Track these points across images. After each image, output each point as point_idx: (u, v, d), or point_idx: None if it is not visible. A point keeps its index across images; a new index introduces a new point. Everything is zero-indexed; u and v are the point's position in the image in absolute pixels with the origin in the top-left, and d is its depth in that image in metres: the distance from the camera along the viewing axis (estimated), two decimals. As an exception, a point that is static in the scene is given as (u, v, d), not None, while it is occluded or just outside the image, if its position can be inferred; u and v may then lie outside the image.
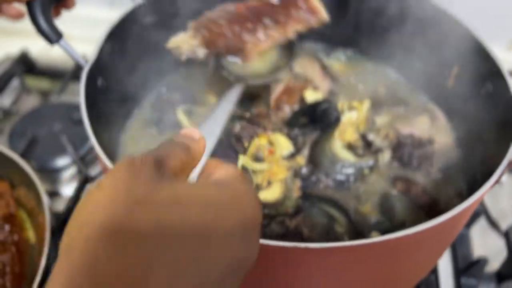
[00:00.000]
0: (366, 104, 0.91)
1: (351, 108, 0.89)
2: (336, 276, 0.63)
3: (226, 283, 0.33)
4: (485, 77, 0.79)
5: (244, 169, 0.78)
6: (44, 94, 1.29)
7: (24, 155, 1.06)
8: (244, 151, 0.82)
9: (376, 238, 0.54)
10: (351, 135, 0.86)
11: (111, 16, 0.83)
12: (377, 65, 1.05)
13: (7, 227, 0.84)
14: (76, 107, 0.87)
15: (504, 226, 0.99)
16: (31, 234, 0.89)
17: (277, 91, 0.95)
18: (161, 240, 0.30)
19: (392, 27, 0.95)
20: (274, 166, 0.80)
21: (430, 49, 0.92)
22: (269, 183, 0.79)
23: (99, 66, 0.77)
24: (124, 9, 0.85)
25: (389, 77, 1.04)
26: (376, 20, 0.97)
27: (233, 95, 0.82)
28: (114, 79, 0.83)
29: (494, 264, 0.95)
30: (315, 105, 0.88)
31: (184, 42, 0.83)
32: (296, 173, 0.81)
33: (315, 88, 0.96)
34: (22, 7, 0.74)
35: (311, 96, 0.92)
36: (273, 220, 0.75)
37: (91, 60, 0.74)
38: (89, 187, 1.03)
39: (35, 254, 0.85)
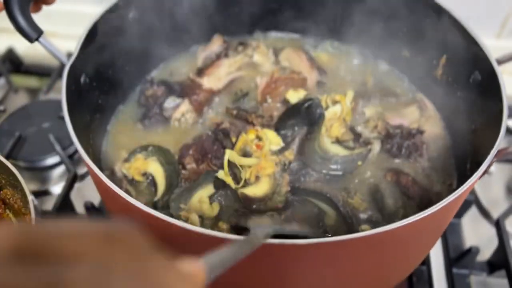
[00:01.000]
0: (350, 95, 0.89)
1: (334, 102, 0.87)
2: (327, 270, 0.62)
3: None
4: (473, 65, 0.79)
5: (231, 164, 0.77)
6: (32, 92, 1.28)
7: (11, 154, 1.05)
8: (232, 146, 0.81)
9: (366, 232, 0.54)
10: (338, 130, 0.84)
11: (100, 12, 0.82)
12: (365, 56, 1.04)
13: (-6, 228, 0.83)
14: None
15: (495, 214, 0.99)
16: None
17: (262, 84, 0.94)
18: None
19: (379, 17, 0.94)
20: (262, 160, 0.79)
21: (418, 39, 0.91)
22: (258, 178, 0.78)
23: (82, 63, 0.75)
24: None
25: (378, 68, 1.03)
26: (363, 10, 0.95)
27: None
28: (98, 76, 0.82)
29: (486, 252, 0.95)
30: (299, 104, 0.86)
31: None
32: (285, 168, 0.81)
33: (304, 79, 0.95)
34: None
35: (293, 97, 0.90)
36: (262, 215, 0.74)
37: (72, 57, 0.72)
38: (77, 185, 1.02)
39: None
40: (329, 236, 0.68)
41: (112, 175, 0.82)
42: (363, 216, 0.78)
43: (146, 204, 0.57)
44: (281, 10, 1.06)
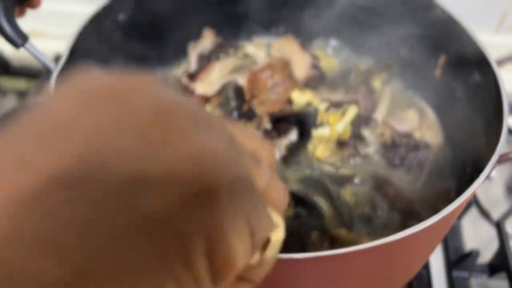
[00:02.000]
0: (352, 112, 0.86)
1: (330, 120, 0.85)
2: (322, 285, 0.60)
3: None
4: (472, 66, 0.77)
5: None
6: (21, 95, 1.25)
7: None
8: None
9: (364, 245, 0.52)
10: (322, 153, 0.82)
11: (90, 11, 0.79)
12: (360, 55, 1.02)
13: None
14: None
15: (495, 215, 0.98)
16: None
17: (244, 83, 0.92)
18: None
19: (375, 16, 0.92)
20: None
21: (416, 38, 0.89)
22: None
23: (70, 68, 0.73)
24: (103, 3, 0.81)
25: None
26: (359, 8, 0.93)
27: None
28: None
29: (486, 254, 0.94)
30: (295, 114, 0.86)
31: None
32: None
33: (285, 62, 0.94)
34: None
35: (298, 98, 0.89)
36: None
37: (60, 64, 0.70)
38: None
39: None
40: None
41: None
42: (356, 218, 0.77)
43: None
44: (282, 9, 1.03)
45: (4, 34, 0.66)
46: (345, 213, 0.75)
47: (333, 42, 1.05)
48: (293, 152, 0.82)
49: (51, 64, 0.70)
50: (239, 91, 0.90)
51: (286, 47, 0.99)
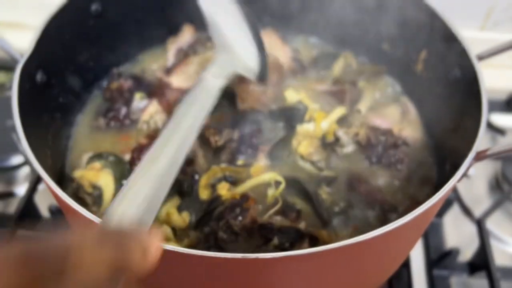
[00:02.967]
0: (338, 112, 0.85)
1: (315, 117, 0.84)
2: (302, 282, 0.58)
3: None
4: (453, 61, 0.75)
5: None
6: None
7: (-27, 154, 1.00)
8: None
9: (344, 242, 0.50)
10: (306, 149, 0.80)
11: (59, 3, 0.77)
12: (342, 49, 1.00)
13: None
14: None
15: (477, 213, 0.97)
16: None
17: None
18: None
19: (357, 8, 0.90)
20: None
21: (397, 33, 0.87)
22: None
23: (38, 59, 0.70)
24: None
25: (356, 62, 0.99)
26: (340, 2, 0.91)
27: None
28: (57, 73, 0.77)
29: (467, 252, 0.93)
30: (285, 109, 0.86)
31: None
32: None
33: (276, 58, 0.92)
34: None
35: (291, 96, 0.88)
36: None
37: (26, 54, 0.67)
38: (43, 187, 0.97)
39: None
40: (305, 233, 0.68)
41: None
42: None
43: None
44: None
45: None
46: (323, 212, 0.73)
47: (313, 38, 1.03)
48: (277, 147, 0.81)
49: (17, 55, 0.68)
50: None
51: (266, 40, 0.97)
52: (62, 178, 0.78)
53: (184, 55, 0.94)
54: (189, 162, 0.79)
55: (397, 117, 0.88)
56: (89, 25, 0.83)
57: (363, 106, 0.90)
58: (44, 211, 0.94)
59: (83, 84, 0.87)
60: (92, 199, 0.75)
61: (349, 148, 0.82)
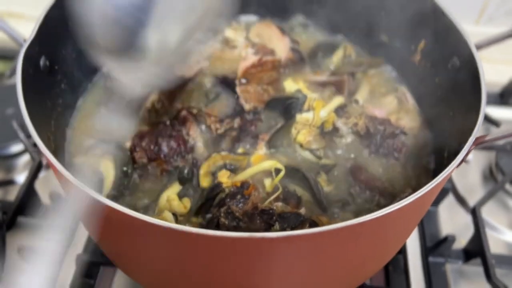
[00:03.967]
0: (336, 101, 0.86)
1: (314, 106, 0.85)
2: (299, 264, 0.60)
3: None
4: (452, 51, 0.77)
5: None
6: (-4, 76, 1.21)
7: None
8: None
9: (341, 224, 0.51)
10: (304, 137, 0.81)
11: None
12: (341, 40, 1.01)
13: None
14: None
15: (471, 202, 0.99)
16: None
17: (248, 62, 0.90)
18: None
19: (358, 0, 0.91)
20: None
21: (396, 23, 0.88)
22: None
23: (42, 45, 0.71)
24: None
25: (354, 53, 1.00)
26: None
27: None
28: (60, 59, 0.77)
29: (462, 240, 0.94)
30: (284, 99, 0.87)
31: None
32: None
33: (275, 49, 0.93)
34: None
35: (290, 86, 0.90)
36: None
37: (29, 39, 0.67)
38: (44, 174, 0.97)
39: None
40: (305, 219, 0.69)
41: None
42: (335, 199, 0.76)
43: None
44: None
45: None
46: (323, 199, 0.75)
47: (312, 29, 1.04)
48: (277, 136, 0.82)
49: (21, 40, 0.68)
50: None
51: (265, 31, 0.98)
52: (63, 165, 0.78)
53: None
54: (190, 149, 0.80)
55: (395, 106, 0.90)
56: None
57: (361, 96, 0.91)
58: (45, 199, 0.94)
59: (85, 72, 0.87)
60: (92, 184, 0.76)
61: (348, 138, 0.84)
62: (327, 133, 0.83)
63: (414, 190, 0.55)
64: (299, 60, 0.94)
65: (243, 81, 0.89)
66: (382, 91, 0.93)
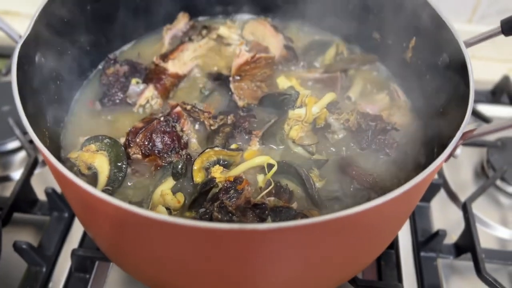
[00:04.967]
0: (328, 97, 0.87)
1: (306, 102, 0.86)
2: (292, 256, 0.61)
3: None
4: (442, 48, 0.78)
5: None
6: (-8, 74, 1.22)
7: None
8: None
9: (331, 215, 0.52)
10: (297, 133, 0.83)
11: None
12: (334, 38, 1.03)
13: None
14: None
15: (463, 198, 1.00)
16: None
17: (242, 58, 0.91)
18: None
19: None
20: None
21: (388, 21, 0.90)
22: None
23: (37, 41, 0.71)
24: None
25: (346, 50, 1.01)
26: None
27: None
28: (56, 55, 0.78)
29: (454, 236, 0.96)
30: (278, 95, 0.88)
31: None
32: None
33: (267, 48, 0.94)
34: None
35: (283, 82, 0.91)
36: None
37: (24, 36, 0.68)
38: (39, 171, 0.98)
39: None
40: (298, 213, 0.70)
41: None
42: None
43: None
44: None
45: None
46: (314, 194, 0.75)
47: (306, 27, 1.05)
48: (270, 132, 0.83)
49: (16, 36, 0.69)
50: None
51: (259, 29, 0.99)
52: (58, 160, 0.79)
53: (182, 37, 0.96)
54: (184, 145, 0.81)
55: (387, 103, 0.91)
56: (86, 10, 0.84)
57: (353, 93, 0.92)
58: (40, 195, 0.95)
59: (80, 68, 0.88)
60: (87, 180, 0.77)
61: (340, 134, 0.85)
62: (319, 129, 0.84)
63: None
64: (293, 57, 0.96)
65: (237, 77, 0.90)
66: (375, 88, 0.94)
